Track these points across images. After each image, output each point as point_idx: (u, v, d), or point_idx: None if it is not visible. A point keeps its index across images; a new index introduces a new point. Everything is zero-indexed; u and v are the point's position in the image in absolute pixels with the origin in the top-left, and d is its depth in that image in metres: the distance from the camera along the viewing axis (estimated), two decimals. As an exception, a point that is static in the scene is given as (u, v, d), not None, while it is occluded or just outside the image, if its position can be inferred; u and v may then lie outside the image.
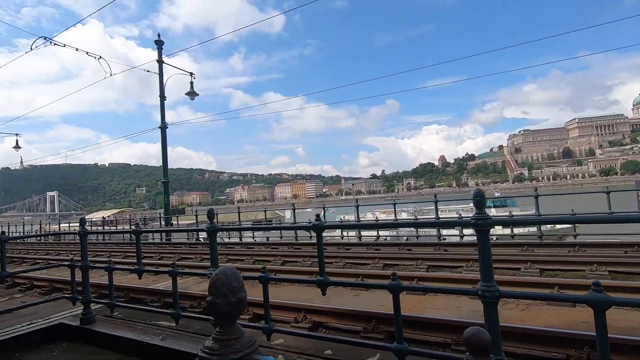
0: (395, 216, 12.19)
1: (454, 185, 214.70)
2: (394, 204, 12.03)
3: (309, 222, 3.04)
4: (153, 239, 15.88)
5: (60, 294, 6.80)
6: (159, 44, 15.08)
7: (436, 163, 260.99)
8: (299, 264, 8.37)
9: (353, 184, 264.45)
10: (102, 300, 4.66)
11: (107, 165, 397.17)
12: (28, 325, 4.63)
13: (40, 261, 11.46)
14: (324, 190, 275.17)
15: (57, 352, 4.06)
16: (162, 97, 15.20)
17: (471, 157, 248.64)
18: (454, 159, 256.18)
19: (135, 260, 4.51)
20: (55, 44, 14.18)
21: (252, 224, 17.91)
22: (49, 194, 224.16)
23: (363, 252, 8.86)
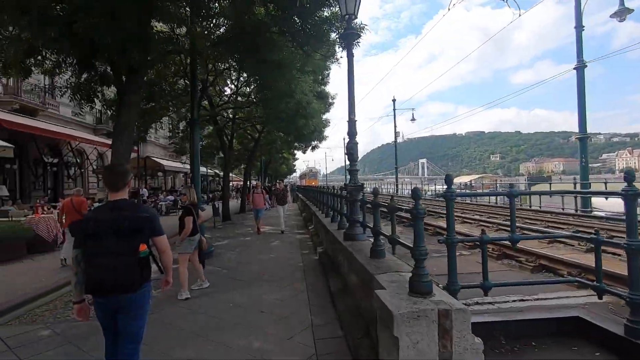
0: None
1: None
2: None
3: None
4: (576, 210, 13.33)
5: (509, 261, 6.02)
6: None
7: None
8: None
9: None
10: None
11: (463, 134, 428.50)
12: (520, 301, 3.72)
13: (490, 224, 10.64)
14: None
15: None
16: (579, 28, 11.75)
17: None
18: None
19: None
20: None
21: None
22: (420, 161, 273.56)
23: None
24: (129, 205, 2.38)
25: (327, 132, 23.22)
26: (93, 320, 4.31)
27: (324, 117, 20.82)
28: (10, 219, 9.75)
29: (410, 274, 2.95)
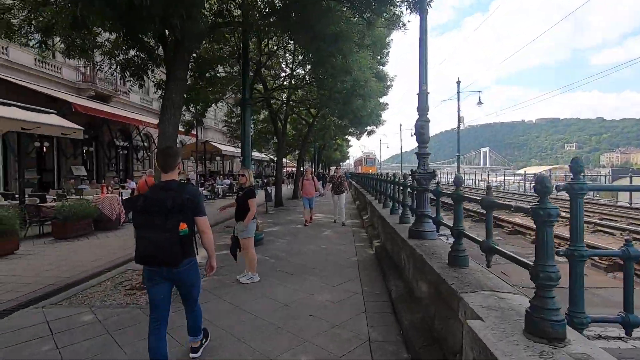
0: None
1: None
2: None
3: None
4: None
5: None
6: None
7: None
8: None
9: None
10: None
11: (534, 121, 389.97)
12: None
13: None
14: None
15: None
16: None
17: None
18: None
19: None
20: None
21: None
22: (482, 149, 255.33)
23: None
24: (177, 186, 2.54)
25: (385, 115, 21.94)
26: (133, 309, 4.06)
27: (382, 100, 19.63)
28: (80, 197, 10.37)
29: (515, 297, 2.11)
